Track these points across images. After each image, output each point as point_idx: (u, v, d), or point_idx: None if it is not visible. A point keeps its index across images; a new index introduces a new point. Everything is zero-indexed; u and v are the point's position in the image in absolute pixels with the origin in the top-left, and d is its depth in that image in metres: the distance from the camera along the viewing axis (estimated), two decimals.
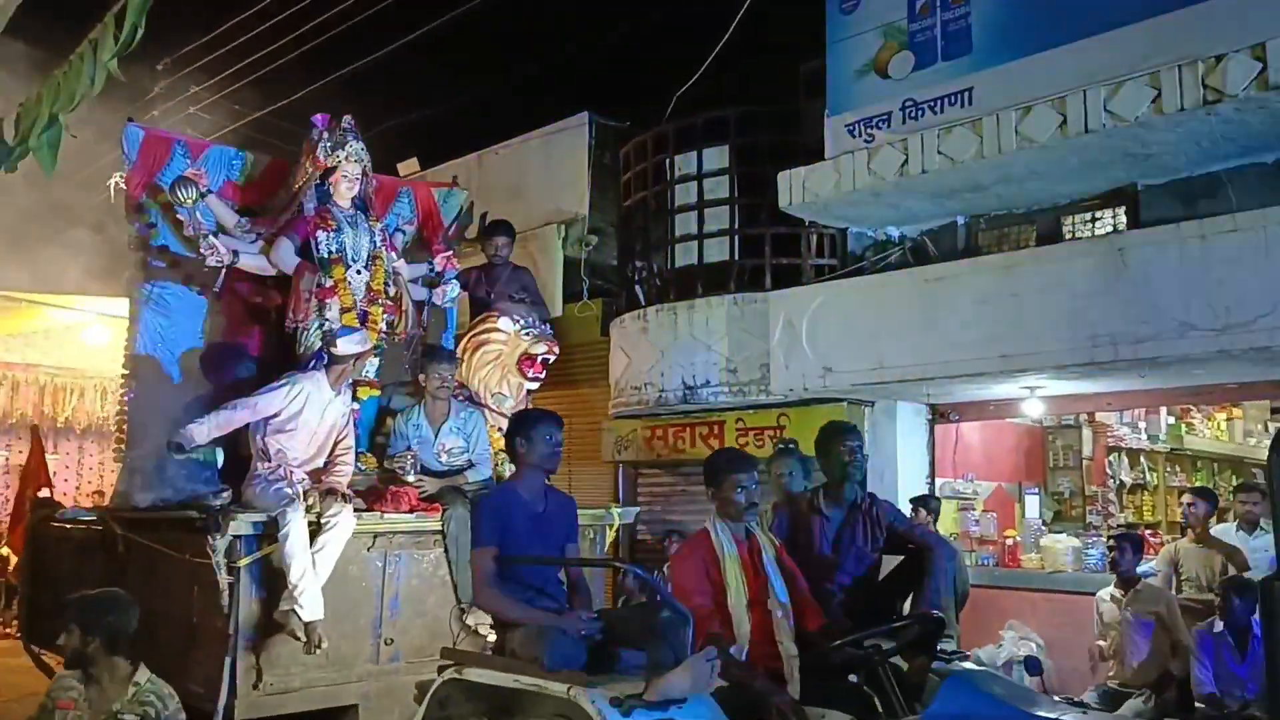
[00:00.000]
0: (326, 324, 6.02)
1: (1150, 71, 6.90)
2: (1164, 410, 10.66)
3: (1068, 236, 8.31)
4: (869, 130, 8.46)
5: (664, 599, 3.78)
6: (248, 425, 5.69)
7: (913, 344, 7.98)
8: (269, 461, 5.58)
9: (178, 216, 6.22)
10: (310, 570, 5.12)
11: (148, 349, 6.38)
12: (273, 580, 5.23)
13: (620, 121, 11.07)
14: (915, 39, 8.32)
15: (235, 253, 6.08)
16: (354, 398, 6.15)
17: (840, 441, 4.93)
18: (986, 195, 8.35)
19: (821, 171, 8.54)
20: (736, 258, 9.60)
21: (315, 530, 5.23)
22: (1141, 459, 11.30)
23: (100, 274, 10.05)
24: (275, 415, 5.60)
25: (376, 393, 6.45)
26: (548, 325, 6.82)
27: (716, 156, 9.76)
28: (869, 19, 8.59)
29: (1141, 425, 11.00)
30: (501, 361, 6.48)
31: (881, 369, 8.19)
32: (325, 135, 6.29)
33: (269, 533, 5.21)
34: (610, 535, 6.88)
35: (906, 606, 4.83)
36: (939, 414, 9.37)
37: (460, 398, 6.31)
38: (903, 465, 9.11)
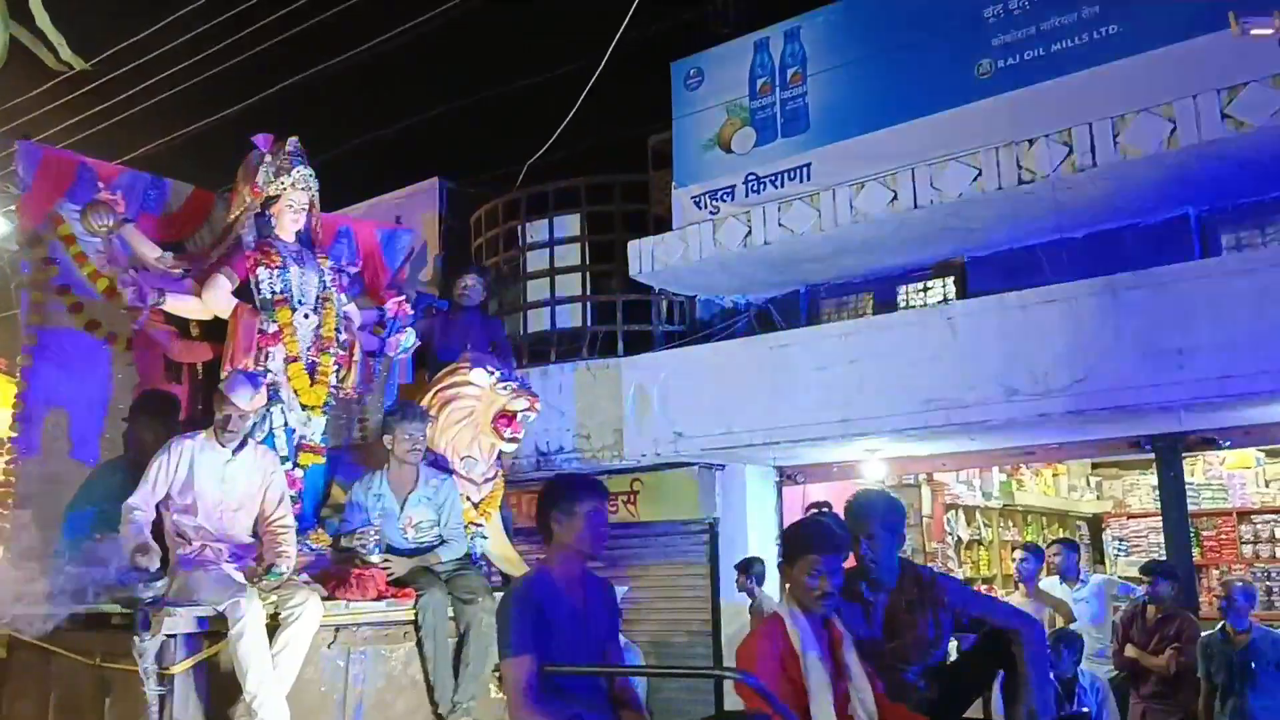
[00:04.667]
0: (270, 375, 5.11)
1: (972, 152, 7.41)
2: (995, 469, 11.18)
3: (902, 305, 8.72)
4: (714, 202, 8.75)
5: (785, 716, 3.16)
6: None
7: (759, 409, 8.16)
8: (189, 545, 4.66)
9: (80, 251, 5.42)
10: (270, 675, 4.21)
11: (42, 407, 5.45)
12: (215, 689, 4.28)
13: (471, 187, 11.09)
14: (756, 116, 8.70)
15: (161, 291, 5.04)
16: (296, 464, 5.24)
17: (868, 519, 4.02)
18: (826, 266, 8.71)
19: (669, 242, 8.78)
20: (589, 324, 9.68)
21: (271, 625, 4.35)
22: (977, 515, 11.78)
23: None
24: (168, 493, 4.71)
25: (322, 460, 5.44)
26: (526, 378, 5.97)
27: (568, 224, 9.88)
28: (713, 95, 8.94)
29: (976, 483, 11.48)
30: (474, 419, 5.61)
31: (730, 433, 8.33)
32: (267, 159, 5.38)
33: (212, 629, 4.29)
34: None
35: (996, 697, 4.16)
36: (786, 476, 9.56)
37: (426, 462, 5.45)
38: (753, 527, 9.23)
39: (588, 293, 9.78)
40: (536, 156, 9.47)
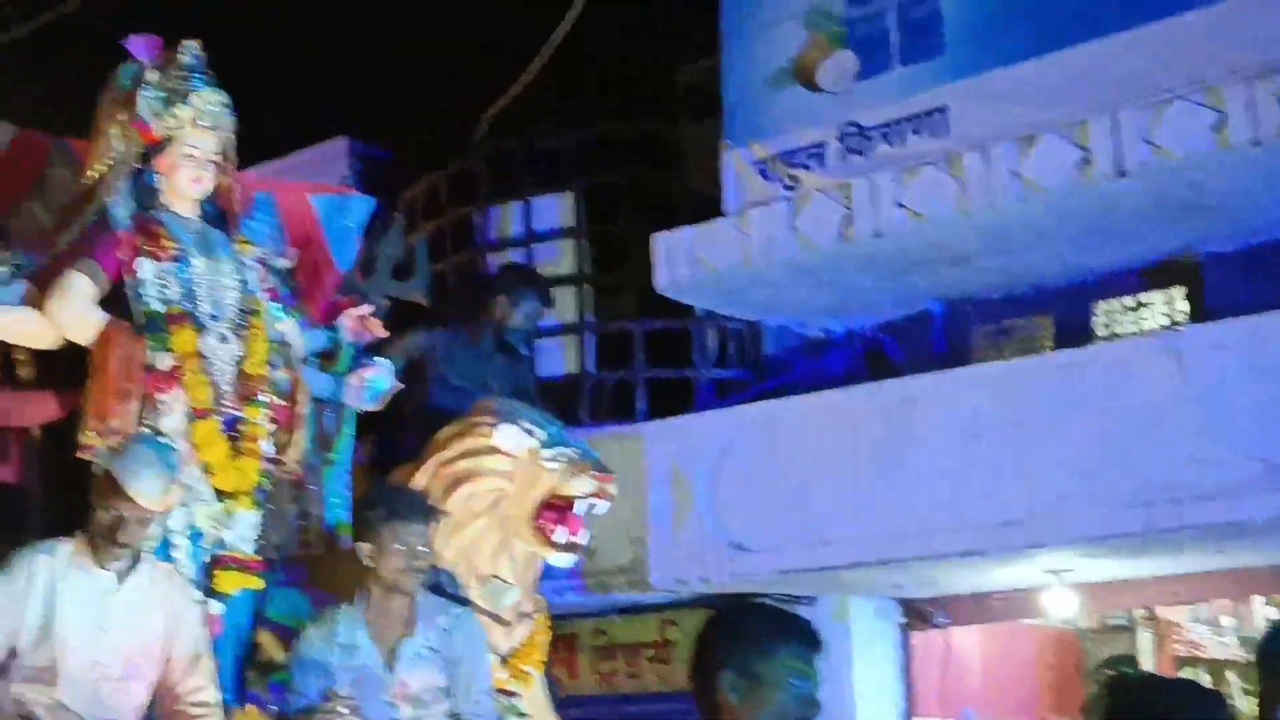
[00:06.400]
0: (164, 440, 4.88)
1: (1210, 87, 7.47)
2: (1258, 600, 11.14)
3: (1100, 334, 8.80)
4: (791, 170, 8.85)
5: None
6: None
7: (869, 505, 8.18)
8: None
9: None
10: None
11: None
12: None
13: (399, 152, 11.25)
14: (858, 32, 8.81)
15: None
16: (210, 592, 5.06)
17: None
18: (975, 270, 8.82)
19: (719, 233, 8.86)
20: (590, 368, 9.79)
21: None
22: (1228, 675, 11.77)
23: None
24: (11, 648, 4.49)
25: (255, 584, 5.26)
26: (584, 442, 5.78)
27: (553, 208, 10.03)
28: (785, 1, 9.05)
29: (1226, 624, 11.45)
30: (503, 513, 5.47)
31: (823, 545, 8.36)
32: (151, 76, 5.23)
33: None
34: None
35: None
36: (917, 615, 9.63)
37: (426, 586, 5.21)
38: (862, 698, 9.31)
39: (588, 319, 9.92)
40: (502, 102, 9.56)
